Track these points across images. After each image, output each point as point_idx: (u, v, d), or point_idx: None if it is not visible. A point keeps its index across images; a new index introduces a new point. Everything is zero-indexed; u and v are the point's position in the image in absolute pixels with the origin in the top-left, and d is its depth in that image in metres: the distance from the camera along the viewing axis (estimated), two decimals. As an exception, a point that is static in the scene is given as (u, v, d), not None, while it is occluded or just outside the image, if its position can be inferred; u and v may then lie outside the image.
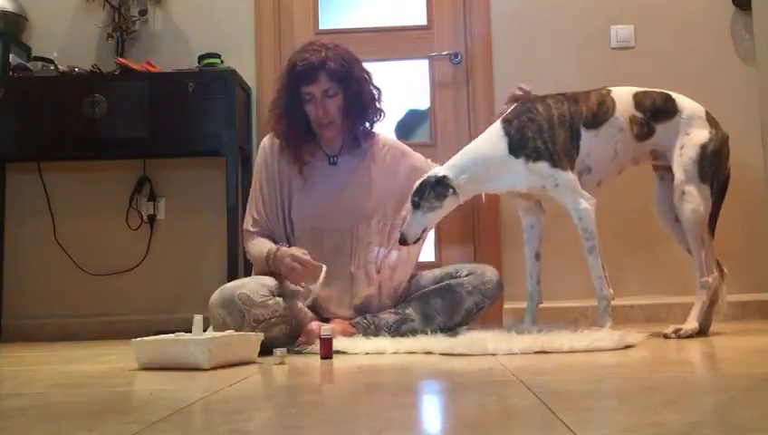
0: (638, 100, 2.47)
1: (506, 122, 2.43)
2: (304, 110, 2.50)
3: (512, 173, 2.40)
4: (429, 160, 2.67)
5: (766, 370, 1.66)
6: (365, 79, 2.54)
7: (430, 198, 2.36)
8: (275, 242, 2.47)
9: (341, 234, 2.49)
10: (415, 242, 2.41)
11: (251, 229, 2.52)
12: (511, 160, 2.39)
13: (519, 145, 2.38)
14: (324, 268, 2.28)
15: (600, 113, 2.44)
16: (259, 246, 2.45)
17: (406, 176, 2.57)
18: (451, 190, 2.35)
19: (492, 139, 2.42)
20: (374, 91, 2.56)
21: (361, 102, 2.52)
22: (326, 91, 2.46)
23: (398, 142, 2.77)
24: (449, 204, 2.39)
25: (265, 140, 2.61)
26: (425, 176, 2.40)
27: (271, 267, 2.37)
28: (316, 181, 2.54)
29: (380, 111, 2.58)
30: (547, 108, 2.44)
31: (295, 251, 2.33)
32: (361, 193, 2.55)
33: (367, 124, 2.59)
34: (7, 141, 3.14)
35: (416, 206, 2.37)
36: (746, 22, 3.20)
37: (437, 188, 2.36)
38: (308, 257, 2.30)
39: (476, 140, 2.47)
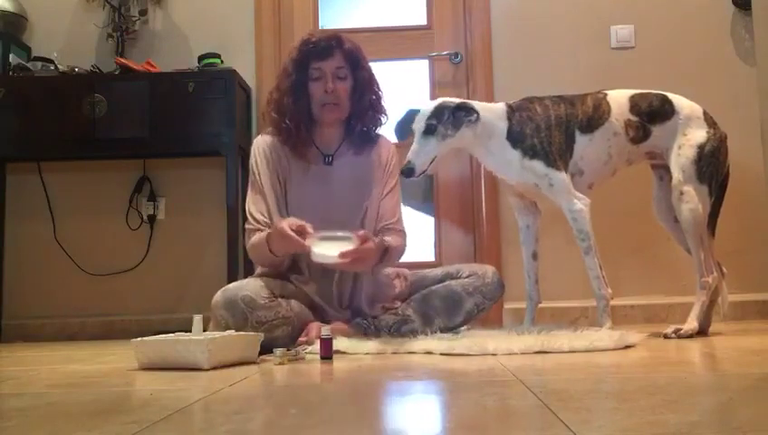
0: (634, 103, 2.47)
1: (509, 108, 2.43)
2: (308, 92, 2.39)
3: (507, 162, 2.39)
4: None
5: (766, 370, 1.66)
6: (374, 76, 2.48)
7: (447, 123, 2.28)
8: None
9: None
10: (420, 175, 2.27)
11: (253, 227, 2.35)
12: (507, 147, 2.39)
13: (517, 136, 2.38)
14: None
15: (596, 118, 2.44)
16: (260, 235, 2.32)
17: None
18: (475, 116, 2.27)
19: (496, 114, 2.41)
20: (380, 93, 2.50)
21: (369, 96, 2.45)
22: (338, 70, 2.38)
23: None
24: (462, 135, 2.32)
25: (259, 139, 2.49)
26: (438, 100, 2.33)
27: (271, 245, 2.24)
28: (310, 183, 2.41)
29: (384, 113, 2.50)
30: (545, 109, 2.44)
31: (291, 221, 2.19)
32: (354, 197, 2.43)
33: (369, 124, 2.48)
34: (7, 141, 3.14)
35: (431, 131, 2.26)
36: (746, 22, 3.20)
37: (457, 112, 2.28)
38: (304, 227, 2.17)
39: (482, 103, 2.46)
